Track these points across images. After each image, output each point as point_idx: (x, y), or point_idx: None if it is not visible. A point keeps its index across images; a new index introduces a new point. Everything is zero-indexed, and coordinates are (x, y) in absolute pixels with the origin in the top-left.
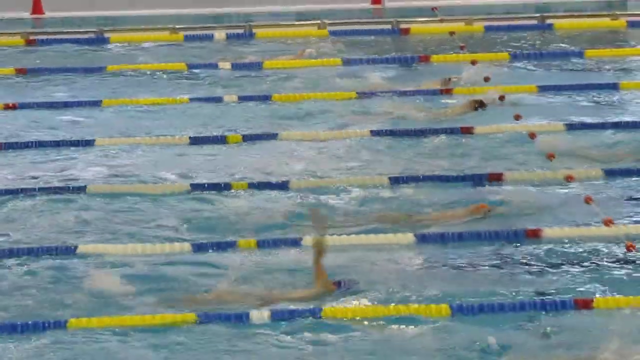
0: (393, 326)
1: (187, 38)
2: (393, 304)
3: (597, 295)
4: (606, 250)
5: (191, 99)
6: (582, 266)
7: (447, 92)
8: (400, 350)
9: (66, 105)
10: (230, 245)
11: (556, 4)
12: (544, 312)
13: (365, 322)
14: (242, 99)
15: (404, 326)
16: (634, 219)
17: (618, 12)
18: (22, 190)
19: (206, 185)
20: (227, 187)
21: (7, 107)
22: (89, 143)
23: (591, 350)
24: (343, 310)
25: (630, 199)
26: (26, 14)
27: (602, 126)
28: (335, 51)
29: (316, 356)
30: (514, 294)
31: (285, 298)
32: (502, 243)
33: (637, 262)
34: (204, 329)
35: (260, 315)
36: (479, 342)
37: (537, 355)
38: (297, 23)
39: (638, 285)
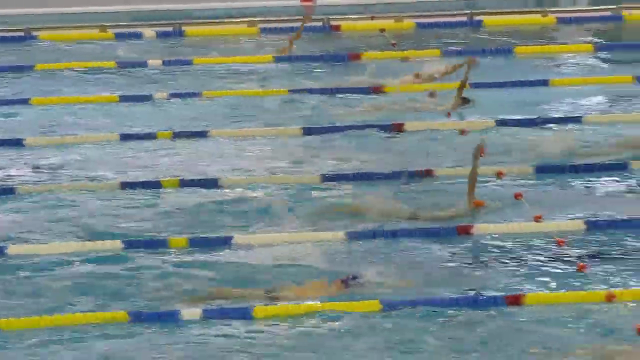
0: (323, 323)
1: (118, 36)
2: (323, 302)
3: (527, 292)
4: (536, 246)
5: (121, 97)
6: (512, 262)
7: (377, 90)
8: (330, 346)
9: None
10: (162, 244)
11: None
12: (475, 309)
13: (296, 320)
14: (173, 96)
15: (335, 322)
16: (564, 215)
17: (548, 9)
18: None
19: (136, 182)
20: (158, 184)
21: None
22: (18, 142)
23: (525, 346)
24: (274, 308)
25: (560, 195)
26: None
27: (533, 123)
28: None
29: (248, 353)
30: (445, 289)
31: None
32: (432, 240)
33: (567, 258)
34: (137, 328)
35: (191, 313)
36: (410, 337)
37: (469, 350)
38: (227, 21)
39: (568, 281)
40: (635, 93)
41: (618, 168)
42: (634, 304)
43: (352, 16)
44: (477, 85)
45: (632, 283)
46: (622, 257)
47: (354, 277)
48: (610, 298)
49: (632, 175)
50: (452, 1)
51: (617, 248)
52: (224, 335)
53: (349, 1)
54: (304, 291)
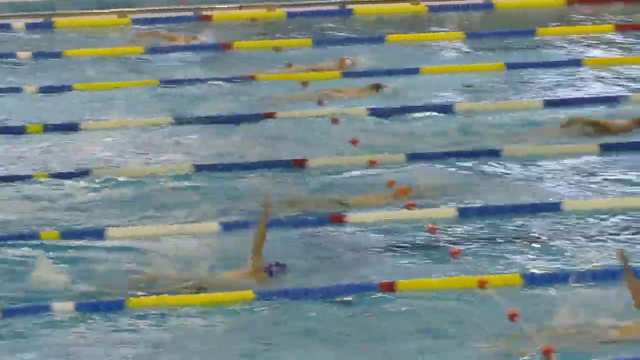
0: (199, 315)
1: None
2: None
3: (400, 279)
4: (408, 233)
5: None
6: (386, 250)
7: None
8: (203, 337)
9: None
10: (33, 237)
11: None
12: (350, 296)
13: (172, 311)
14: (43, 89)
15: (208, 314)
16: (436, 202)
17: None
18: None
19: (6, 176)
20: (29, 177)
21: None
22: None
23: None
24: (148, 300)
25: (432, 183)
26: None
27: (406, 110)
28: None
29: (123, 344)
30: (319, 278)
31: (219, 281)
32: (307, 228)
33: (438, 245)
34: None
35: (63, 306)
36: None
37: (343, 339)
38: (98, 12)
39: (440, 267)
40: (506, 80)
41: (490, 154)
42: (506, 290)
43: (222, 6)
44: (349, 75)
45: (503, 269)
46: (494, 244)
47: (278, 265)
48: (482, 284)
49: (503, 162)
50: None
51: (489, 235)
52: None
53: None
54: (230, 279)
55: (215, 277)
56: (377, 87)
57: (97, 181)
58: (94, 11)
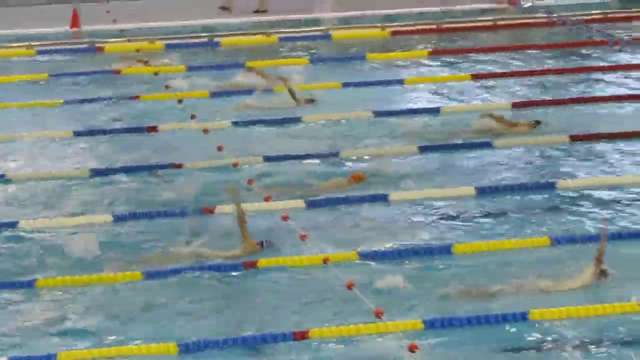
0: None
1: None
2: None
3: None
4: (266, 224)
5: None
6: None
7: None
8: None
9: None
10: None
11: (220, 25)
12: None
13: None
14: None
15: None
16: (288, 196)
17: (270, 30)
18: None
19: None
20: None
21: None
22: None
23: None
24: (54, 280)
25: (287, 177)
26: None
27: (265, 122)
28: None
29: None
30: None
31: (217, 255)
32: (179, 219)
33: (292, 229)
34: None
35: None
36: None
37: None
38: (7, 45)
39: (292, 249)
40: (344, 95)
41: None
42: (345, 264)
43: (114, 40)
44: (217, 94)
45: (343, 249)
46: (335, 227)
47: (268, 242)
48: (325, 261)
49: (343, 161)
50: (195, 25)
51: (330, 218)
52: None
53: (112, 27)
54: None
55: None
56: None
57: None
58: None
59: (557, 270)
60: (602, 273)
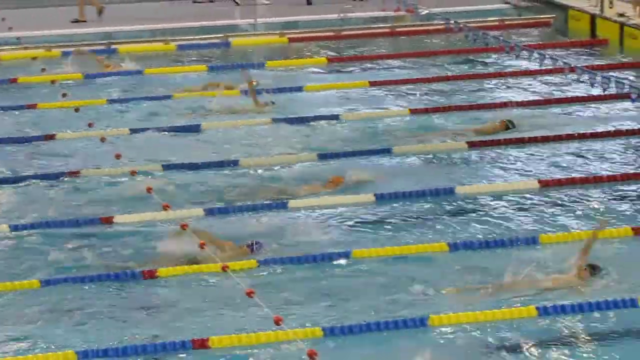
0: None
1: None
2: None
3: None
4: (162, 230)
5: None
6: (146, 243)
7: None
8: None
9: None
10: None
11: (120, 32)
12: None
13: None
14: None
15: None
16: (189, 204)
17: (169, 38)
18: None
19: None
20: None
21: None
22: None
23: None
24: None
25: (186, 187)
26: None
27: (161, 130)
28: None
29: None
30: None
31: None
32: (80, 228)
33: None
34: None
35: None
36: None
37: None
38: None
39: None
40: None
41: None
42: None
43: (8, 47)
44: (115, 101)
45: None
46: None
47: (258, 243)
48: (224, 269)
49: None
50: (92, 33)
51: (230, 226)
52: None
53: (8, 34)
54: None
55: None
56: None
57: None
58: None
59: (454, 277)
60: (593, 269)
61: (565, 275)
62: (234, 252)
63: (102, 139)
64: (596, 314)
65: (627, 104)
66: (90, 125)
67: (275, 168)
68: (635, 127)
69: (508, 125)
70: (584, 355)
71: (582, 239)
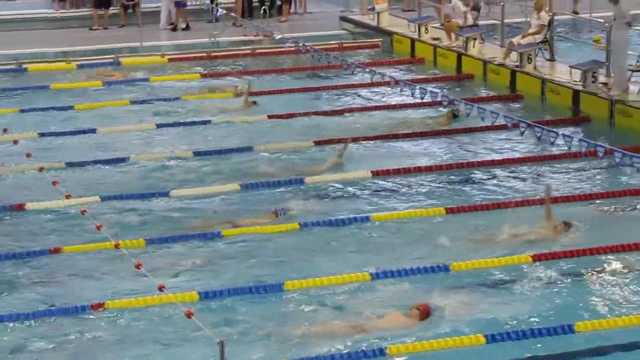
0: None
1: None
2: None
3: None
4: (65, 222)
5: None
6: (54, 229)
7: None
8: None
9: None
10: None
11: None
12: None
13: None
14: None
15: None
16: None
17: (70, 59)
18: None
19: None
20: None
21: None
22: None
23: None
24: None
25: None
26: None
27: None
28: None
29: None
30: None
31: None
32: None
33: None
34: None
35: None
36: None
37: None
38: None
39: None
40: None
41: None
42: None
43: None
44: (26, 111)
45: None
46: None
47: (283, 210)
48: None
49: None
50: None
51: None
52: None
53: None
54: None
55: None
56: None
57: None
58: None
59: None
60: (566, 225)
61: (546, 230)
62: (265, 219)
63: (15, 142)
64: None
65: (441, 109)
66: (15, 142)
67: (160, 162)
68: (445, 128)
69: (455, 114)
70: None
71: None
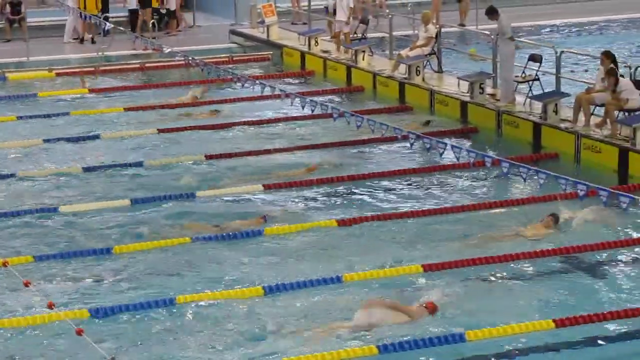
0: None
1: None
2: None
3: None
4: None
5: None
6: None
7: None
8: None
9: None
10: None
11: None
12: None
13: None
14: None
15: None
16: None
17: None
18: None
19: None
20: None
21: None
22: None
23: None
24: None
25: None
26: None
27: None
28: None
29: None
30: None
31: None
32: None
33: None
34: None
35: None
36: None
37: None
38: None
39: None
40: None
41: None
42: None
43: None
44: None
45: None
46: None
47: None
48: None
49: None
50: None
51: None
52: None
53: None
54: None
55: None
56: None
57: None
58: None
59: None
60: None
61: (538, 225)
62: (253, 223)
63: None
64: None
65: (330, 122)
66: None
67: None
68: (336, 140)
69: (428, 122)
70: None
71: None
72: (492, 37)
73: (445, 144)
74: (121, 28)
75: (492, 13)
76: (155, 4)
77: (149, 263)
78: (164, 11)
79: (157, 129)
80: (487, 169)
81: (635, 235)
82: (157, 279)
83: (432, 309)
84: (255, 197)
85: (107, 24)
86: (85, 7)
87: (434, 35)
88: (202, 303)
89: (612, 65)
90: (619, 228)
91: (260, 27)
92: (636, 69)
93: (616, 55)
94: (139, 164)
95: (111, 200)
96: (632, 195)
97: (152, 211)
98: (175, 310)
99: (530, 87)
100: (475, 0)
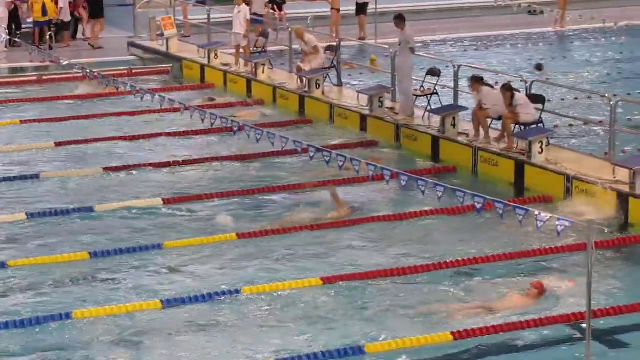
0: None
1: None
2: None
3: None
4: None
5: None
6: None
7: None
8: None
9: None
10: None
11: None
12: None
13: None
14: None
15: None
16: None
17: None
18: None
19: None
20: None
21: None
22: None
23: None
24: None
25: None
26: None
27: None
28: None
29: None
30: None
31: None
32: None
33: None
34: None
35: None
36: None
37: None
38: None
39: None
40: None
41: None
42: None
43: None
44: None
45: None
46: None
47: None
48: None
49: None
50: None
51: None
52: None
53: None
54: None
55: None
56: None
57: None
58: None
59: None
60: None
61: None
62: (346, 211)
63: None
64: None
65: (230, 137)
66: None
67: None
68: (238, 154)
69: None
70: None
71: None
72: (391, 50)
73: (345, 157)
74: (17, 40)
75: (400, 20)
76: (53, 16)
77: (44, 277)
78: (59, 22)
79: (55, 142)
80: (385, 183)
81: None
82: (49, 294)
83: (540, 288)
84: (156, 210)
85: (2, 35)
86: None
87: (317, 44)
88: (105, 317)
89: (508, 81)
90: None
91: (159, 40)
92: (531, 83)
93: (513, 70)
94: (36, 176)
95: (8, 214)
96: (527, 208)
97: (48, 223)
98: (70, 324)
99: (429, 100)
100: (374, 14)
